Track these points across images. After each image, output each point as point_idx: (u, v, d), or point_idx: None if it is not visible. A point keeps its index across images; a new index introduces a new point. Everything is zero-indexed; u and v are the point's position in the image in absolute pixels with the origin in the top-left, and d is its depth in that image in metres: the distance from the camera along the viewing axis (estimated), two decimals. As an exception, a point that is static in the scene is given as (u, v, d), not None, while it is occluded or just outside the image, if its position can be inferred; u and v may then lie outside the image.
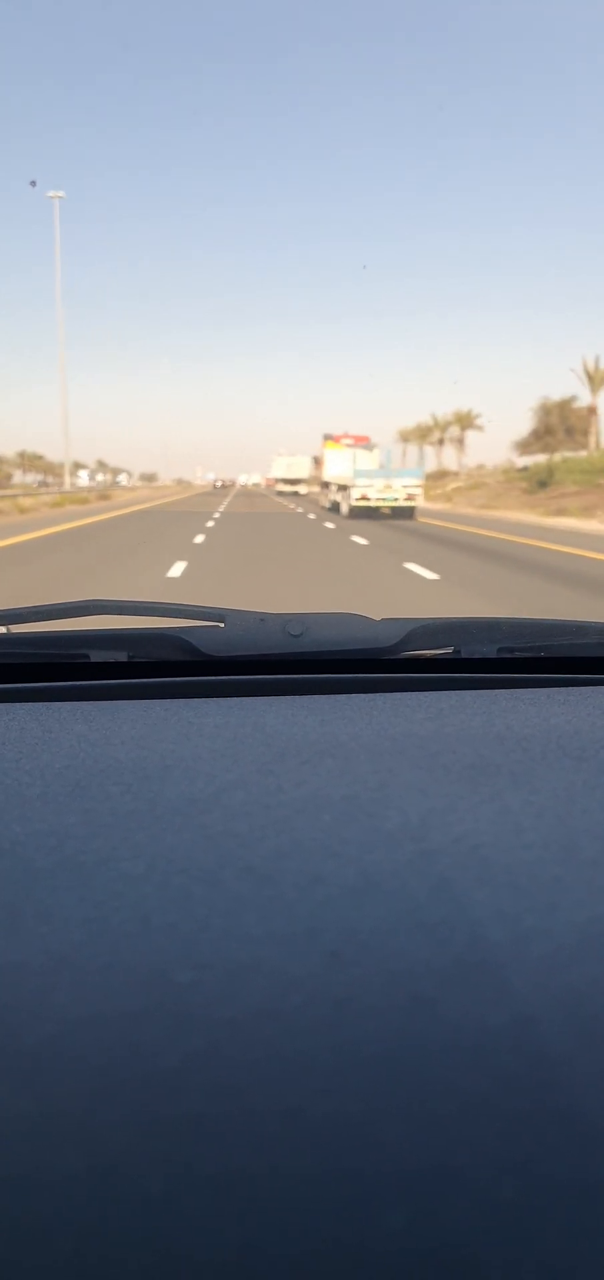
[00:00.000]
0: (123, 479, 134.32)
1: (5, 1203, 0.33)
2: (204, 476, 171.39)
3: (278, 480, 68.96)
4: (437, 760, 0.79)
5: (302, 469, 67.64)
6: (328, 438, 36.36)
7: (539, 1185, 0.34)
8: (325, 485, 35.53)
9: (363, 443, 36.47)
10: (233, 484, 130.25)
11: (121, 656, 1.07)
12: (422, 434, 68.42)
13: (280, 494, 65.04)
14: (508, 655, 1.15)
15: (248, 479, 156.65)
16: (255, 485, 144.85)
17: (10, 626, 1.13)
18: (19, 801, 0.69)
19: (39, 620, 1.14)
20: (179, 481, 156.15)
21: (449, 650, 1.15)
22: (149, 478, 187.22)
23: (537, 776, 0.76)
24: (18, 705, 0.96)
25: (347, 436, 36.33)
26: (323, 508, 35.12)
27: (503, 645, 1.16)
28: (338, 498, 30.34)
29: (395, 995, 0.45)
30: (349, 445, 33.80)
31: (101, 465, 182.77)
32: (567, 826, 0.66)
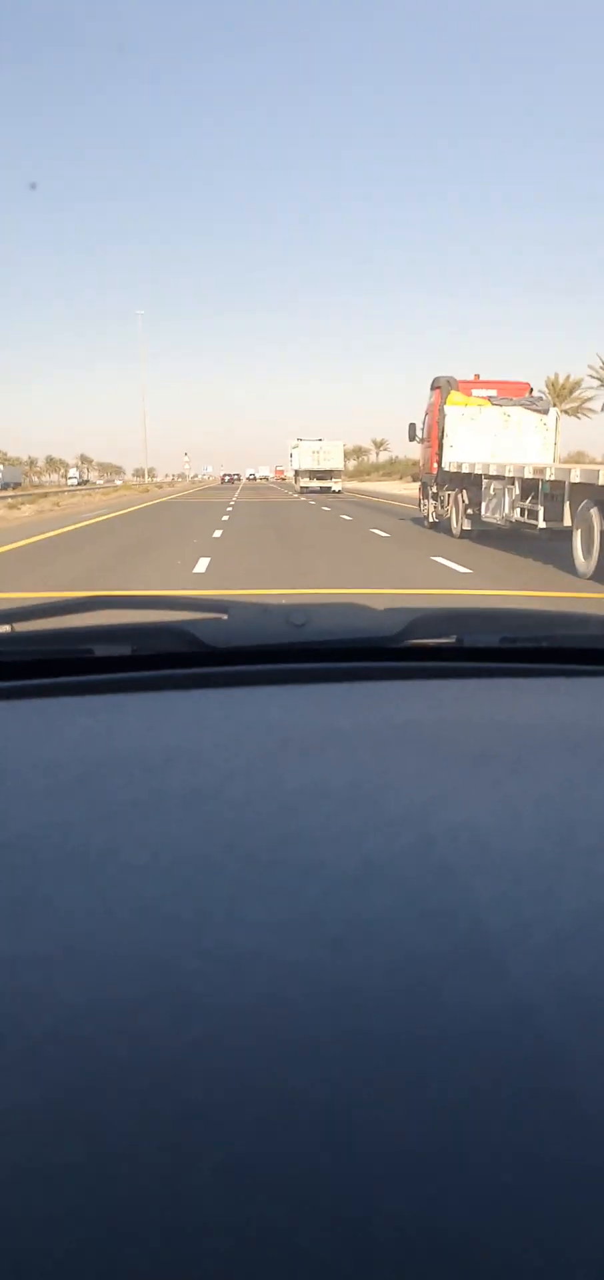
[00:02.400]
0: (72, 476, 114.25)
1: (11, 1188, 0.34)
2: (203, 471, 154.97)
3: (301, 473, 51.02)
4: (438, 749, 0.79)
5: (334, 457, 51.47)
6: (447, 385, 16.72)
7: (539, 1169, 0.35)
8: (450, 488, 16.67)
9: (518, 393, 17.51)
10: (238, 479, 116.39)
11: (125, 650, 1.07)
12: (557, 394, 48.00)
13: (305, 491, 48.27)
14: (510, 645, 1.15)
15: (256, 472, 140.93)
16: (264, 479, 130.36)
17: (15, 624, 1.13)
18: (25, 794, 0.70)
19: (44, 616, 1.15)
20: (179, 478, 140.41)
21: (452, 639, 1.15)
22: (146, 472, 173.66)
23: (537, 765, 0.76)
24: (24, 701, 0.96)
25: (480, 384, 16.56)
26: (430, 523, 18.07)
27: (505, 635, 1.15)
28: (524, 515, 12.51)
29: (397, 982, 0.45)
30: (495, 401, 16.65)
31: (84, 460, 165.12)
32: (566, 815, 0.66)
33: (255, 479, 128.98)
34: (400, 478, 77.22)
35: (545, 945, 0.48)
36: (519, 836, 0.62)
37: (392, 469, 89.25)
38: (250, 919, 0.51)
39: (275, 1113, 0.37)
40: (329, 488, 47.77)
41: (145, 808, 0.67)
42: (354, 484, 76.97)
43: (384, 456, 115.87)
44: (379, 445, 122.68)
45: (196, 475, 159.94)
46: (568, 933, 0.50)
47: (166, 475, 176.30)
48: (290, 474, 65.16)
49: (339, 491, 47.28)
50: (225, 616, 1.11)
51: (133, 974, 0.46)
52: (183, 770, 0.74)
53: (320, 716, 0.89)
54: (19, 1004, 0.44)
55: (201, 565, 10.62)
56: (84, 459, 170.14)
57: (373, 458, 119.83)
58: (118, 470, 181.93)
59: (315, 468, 49.03)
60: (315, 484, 48.34)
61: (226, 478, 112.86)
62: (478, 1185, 0.34)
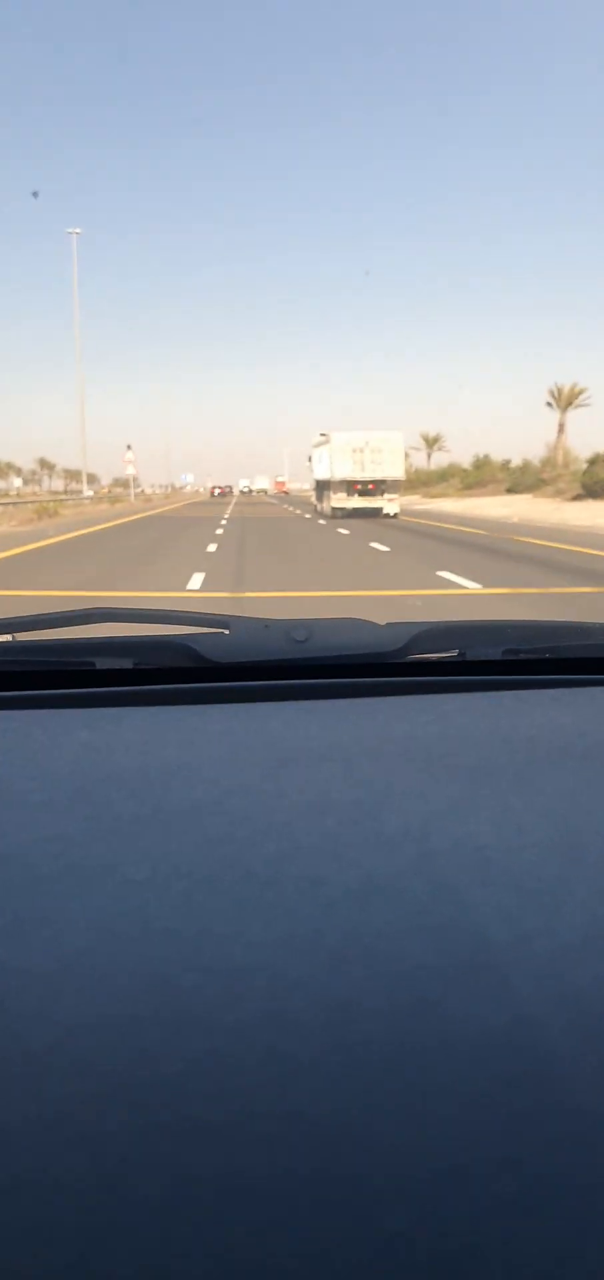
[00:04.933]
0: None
1: (11, 1205, 0.34)
2: (182, 480, 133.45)
3: (334, 485, 29.93)
4: (440, 763, 0.79)
5: (390, 458, 29.82)
6: None
7: (541, 1184, 0.34)
8: None
9: None
10: (230, 491, 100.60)
11: (127, 664, 1.07)
12: None
13: (337, 514, 29.06)
14: (513, 657, 1.15)
15: (251, 484, 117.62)
16: (262, 491, 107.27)
17: (17, 634, 1.12)
18: (24, 808, 0.70)
19: (45, 628, 1.14)
20: (171, 489, 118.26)
21: (454, 653, 1.15)
22: (124, 483, 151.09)
23: (540, 777, 0.76)
24: (24, 712, 0.96)
25: None
26: None
27: (508, 648, 1.15)
28: None
29: (398, 997, 0.45)
30: None
31: (44, 464, 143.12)
32: (570, 827, 0.66)
33: (251, 492, 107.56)
34: (508, 490, 42.50)
35: (548, 959, 0.48)
36: (522, 850, 0.62)
37: (479, 477, 52.83)
38: (251, 935, 0.51)
39: (276, 1128, 0.37)
40: (379, 510, 28.59)
41: (145, 822, 0.66)
42: (415, 501, 46.83)
43: (440, 459, 76.58)
44: (433, 443, 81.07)
45: (181, 486, 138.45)
46: (571, 946, 0.50)
47: (152, 486, 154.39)
48: (307, 486, 42.75)
49: (394, 515, 28.42)
50: (227, 632, 1.11)
51: (132, 989, 0.46)
52: (183, 785, 0.74)
53: (322, 732, 0.89)
54: (19, 1018, 0.44)
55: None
56: (43, 463, 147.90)
57: (418, 461, 77.56)
58: (92, 478, 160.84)
59: (358, 476, 29.14)
60: (356, 503, 28.69)
61: (217, 490, 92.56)
62: (481, 1200, 0.34)
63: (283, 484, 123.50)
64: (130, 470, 46.06)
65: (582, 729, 0.91)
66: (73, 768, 0.78)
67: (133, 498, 53.72)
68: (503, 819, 0.67)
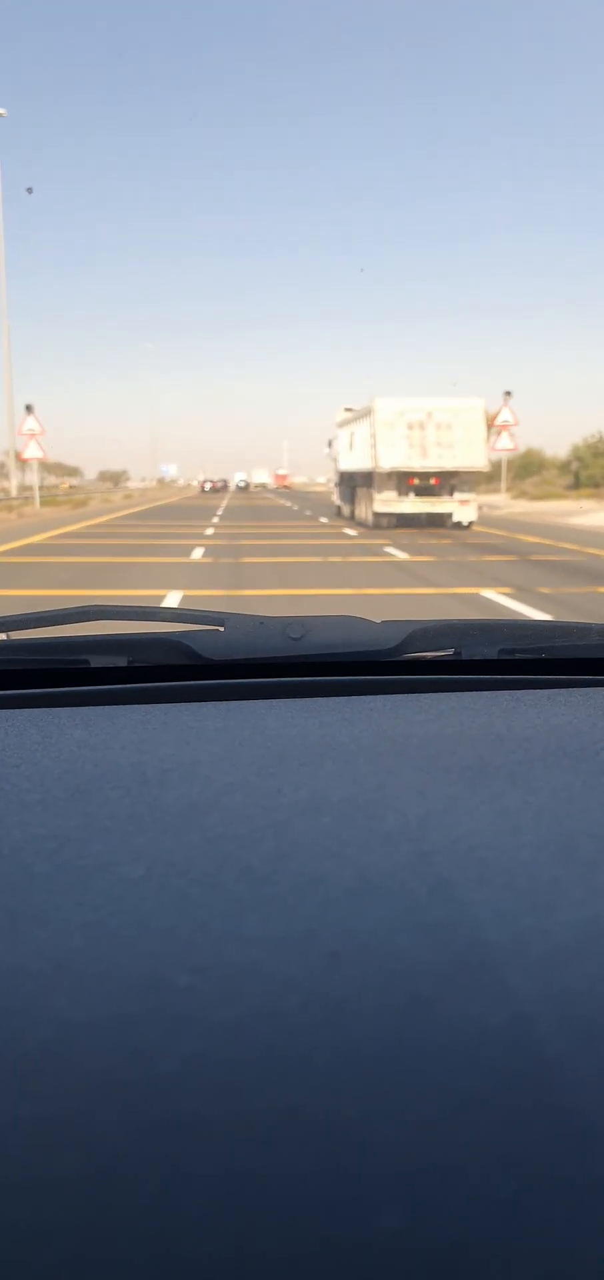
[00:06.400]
0: None
1: (5, 1205, 0.34)
2: (162, 472, 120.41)
3: (379, 479, 18.76)
4: (436, 762, 0.80)
5: (468, 440, 18.88)
6: None
7: (537, 1184, 0.34)
8: None
9: None
10: (225, 486, 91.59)
11: (121, 661, 1.08)
12: None
13: (381, 521, 19.00)
14: (509, 657, 1.16)
15: (248, 478, 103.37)
16: (260, 486, 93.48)
17: (10, 633, 1.12)
18: (18, 807, 0.70)
19: (39, 626, 1.14)
20: (158, 484, 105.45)
21: (450, 652, 1.16)
22: (115, 477, 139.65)
23: (536, 777, 0.77)
24: (18, 711, 0.96)
25: None
26: None
27: (504, 647, 1.16)
28: None
29: (394, 996, 0.45)
30: None
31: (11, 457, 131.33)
32: (566, 827, 0.67)
33: (248, 487, 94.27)
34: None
35: (544, 958, 0.49)
36: (518, 849, 0.62)
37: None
38: (246, 933, 0.51)
39: (271, 1128, 0.37)
40: (446, 516, 19.28)
41: (141, 821, 0.66)
42: (550, 509, 30.43)
43: (502, 450, 49.68)
44: (491, 423, 50.73)
45: (173, 479, 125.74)
46: (567, 945, 0.50)
47: (144, 479, 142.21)
48: (323, 479, 30.69)
49: (468, 525, 19.21)
50: (222, 629, 1.12)
51: (128, 988, 0.46)
52: (179, 783, 0.74)
53: (317, 730, 0.89)
54: (13, 1018, 0.44)
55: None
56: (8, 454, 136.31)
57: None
58: (73, 472, 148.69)
59: (418, 465, 19.16)
60: (411, 506, 19.17)
61: (208, 485, 79.80)
62: (476, 1200, 0.34)
63: (284, 477, 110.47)
64: (33, 452, 25.13)
65: (576, 730, 0.92)
66: (67, 766, 0.78)
67: (37, 501, 30.34)
68: (499, 818, 0.67)
